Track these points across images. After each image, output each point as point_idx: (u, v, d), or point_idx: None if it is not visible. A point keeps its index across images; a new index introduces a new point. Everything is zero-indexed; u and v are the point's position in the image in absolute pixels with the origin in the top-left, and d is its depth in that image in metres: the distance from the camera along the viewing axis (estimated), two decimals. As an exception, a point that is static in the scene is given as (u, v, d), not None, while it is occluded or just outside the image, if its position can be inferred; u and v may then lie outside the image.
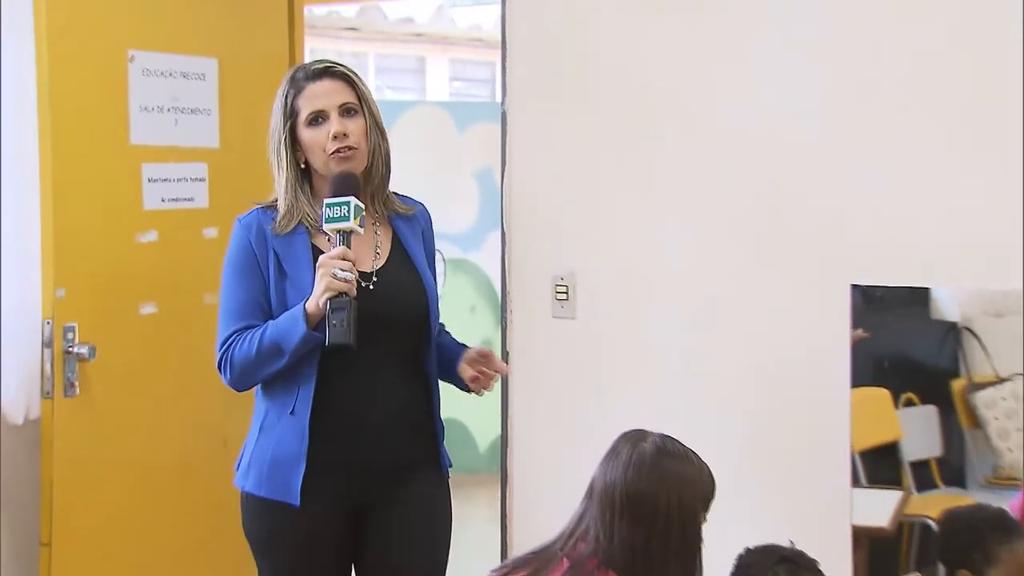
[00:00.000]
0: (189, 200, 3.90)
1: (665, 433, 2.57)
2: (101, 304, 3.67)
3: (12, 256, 3.61)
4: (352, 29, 6.94)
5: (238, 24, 4.10)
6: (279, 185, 3.07)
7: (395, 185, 3.20)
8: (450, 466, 3.20)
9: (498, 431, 3.84)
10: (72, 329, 3.55)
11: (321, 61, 3.08)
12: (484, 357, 3.09)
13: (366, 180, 3.07)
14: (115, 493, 3.71)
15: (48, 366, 3.55)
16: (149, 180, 3.77)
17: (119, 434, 3.72)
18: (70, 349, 3.55)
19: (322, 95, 2.99)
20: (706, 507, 2.52)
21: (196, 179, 3.92)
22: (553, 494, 3.50)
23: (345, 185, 2.92)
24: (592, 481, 2.55)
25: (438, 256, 3.45)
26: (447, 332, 3.27)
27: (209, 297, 3.73)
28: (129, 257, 3.73)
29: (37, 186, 3.56)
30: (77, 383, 3.57)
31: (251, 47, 4.13)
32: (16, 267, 3.61)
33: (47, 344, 3.54)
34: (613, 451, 2.55)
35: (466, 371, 3.08)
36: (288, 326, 2.89)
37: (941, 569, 3.09)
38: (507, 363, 3.74)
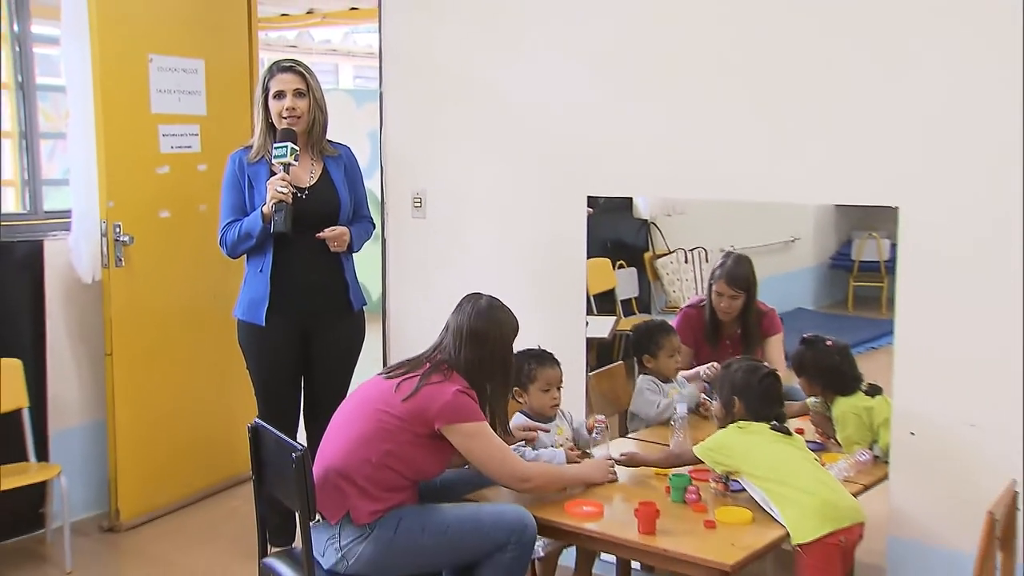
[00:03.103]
0: (188, 147, 4.32)
1: (491, 295, 2.88)
2: (136, 210, 4.09)
3: (82, 182, 4.05)
4: (292, 46, 7.53)
5: (216, 40, 4.47)
6: (255, 133, 3.50)
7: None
8: (364, 304, 3.57)
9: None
10: (119, 226, 4.01)
11: (289, 60, 3.49)
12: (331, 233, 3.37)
13: (308, 136, 3.44)
14: (148, 325, 4.18)
15: (104, 248, 4.00)
16: (163, 135, 4.21)
17: (149, 290, 4.17)
18: (117, 238, 3.99)
19: (284, 81, 3.43)
20: (514, 337, 2.91)
21: (192, 134, 4.34)
22: (412, 328, 4.01)
23: (286, 135, 3.37)
24: (447, 322, 2.86)
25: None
26: (360, 224, 3.52)
27: (202, 207, 4.29)
28: (152, 181, 4.16)
29: (94, 140, 3.99)
30: (123, 258, 4.04)
31: (225, 54, 4.52)
32: (84, 189, 4.05)
33: (103, 235, 4.00)
34: (460, 305, 2.88)
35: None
36: (253, 221, 3.38)
37: (634, 358, 3.58)
38: (385, 248, 4.05)
